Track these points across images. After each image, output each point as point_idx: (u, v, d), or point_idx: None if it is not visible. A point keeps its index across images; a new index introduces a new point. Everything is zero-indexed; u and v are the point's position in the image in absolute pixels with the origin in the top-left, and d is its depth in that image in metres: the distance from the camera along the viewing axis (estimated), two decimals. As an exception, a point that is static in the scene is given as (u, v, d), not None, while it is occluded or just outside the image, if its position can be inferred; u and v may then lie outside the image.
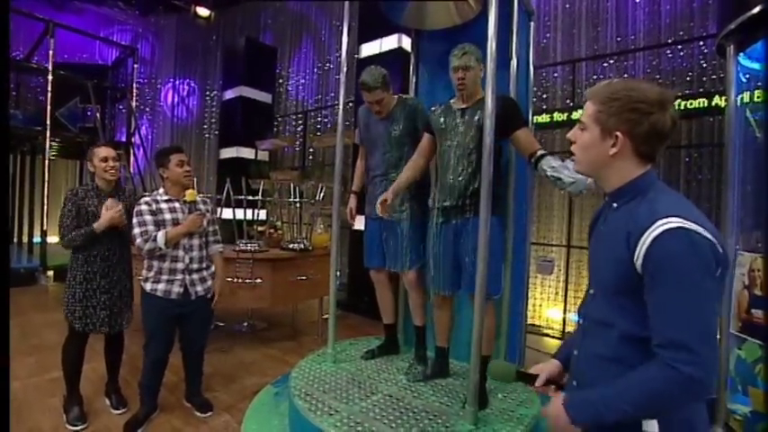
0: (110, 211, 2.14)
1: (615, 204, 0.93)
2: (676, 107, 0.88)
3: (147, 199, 2.22)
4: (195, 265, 2.23)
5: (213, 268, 2.36)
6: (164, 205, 2.21)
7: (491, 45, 1.76)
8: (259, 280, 3.33)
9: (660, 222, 0.78)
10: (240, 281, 3.27)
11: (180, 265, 2.19)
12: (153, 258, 2.19)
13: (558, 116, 4.10)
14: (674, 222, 0.77)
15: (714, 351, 0.75)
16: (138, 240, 2.13)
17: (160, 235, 2.11)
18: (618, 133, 0.87)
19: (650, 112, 0.84)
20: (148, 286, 2.19)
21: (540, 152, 1.83)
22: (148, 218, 2.15)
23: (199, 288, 2.24)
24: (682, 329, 0.74)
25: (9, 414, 1.38)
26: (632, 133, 0.87)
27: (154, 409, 2.32)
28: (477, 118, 1.96)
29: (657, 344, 0.77)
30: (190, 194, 2.20)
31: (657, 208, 0.81)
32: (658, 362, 0.76)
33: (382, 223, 2.32)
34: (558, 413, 0.88)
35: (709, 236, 0.76)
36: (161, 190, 2.27)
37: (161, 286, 2.17)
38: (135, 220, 2.16)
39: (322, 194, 4.01)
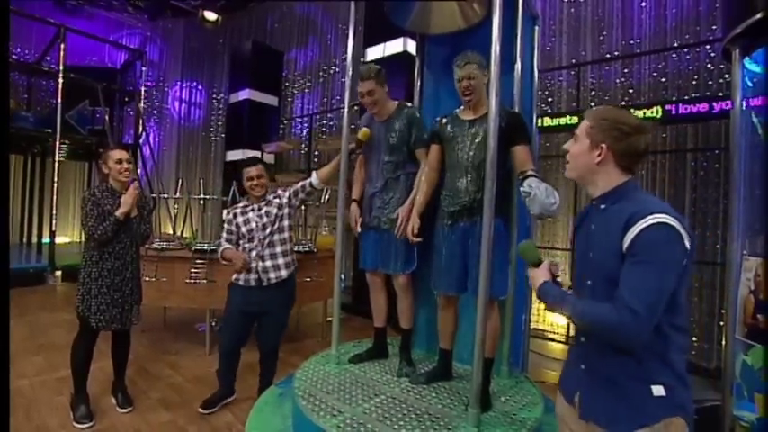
0: (129, 192, 2.27)
1: (603, 206, 1.11)
2: (652, 134, 1.14)
3: (237, 210, 2.51)
4: (267, 251, 2.41)
5: (290, 258, 2.50)
6: (240, 218, 2.47)
7: (495, 49, 1.77)
8: (264, 281, 3.34)
9: (651, 216, 0.97)
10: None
11: (253, 254, 2.41)
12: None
13: (563, 120, 4.10)
14: (662, 218, 0.96)
15: (653, 319, 0.96)
16: (218, 241, 2.55)
17: (222, 248, 2.44)
18: (603, 145, 1.09)
19: (630, 133, 1.07)
20: (234, 276, 2.45)
21: (529, 172, 1.84)
22: (233, 228, 2.48)
23: (271, 275, 2.40)
24: (639, 298, 0.95)
25: (9, 414, 1.40)
26: (613, 147, 1.08)
27: (229, 394, 2.58)
28: (485, 129, 1.97)
29: (620, 298, 0.97)
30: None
31: (650, 207, 0.99)
32: (616, 306, 0.96)
33: (376, 231, 2.33)
34: (537, 280, 1.18)
35: (683, 233, 0.96)
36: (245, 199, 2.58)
37: (243, 275, 2.42)
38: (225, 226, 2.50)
39: (327, 197, 4.03)
